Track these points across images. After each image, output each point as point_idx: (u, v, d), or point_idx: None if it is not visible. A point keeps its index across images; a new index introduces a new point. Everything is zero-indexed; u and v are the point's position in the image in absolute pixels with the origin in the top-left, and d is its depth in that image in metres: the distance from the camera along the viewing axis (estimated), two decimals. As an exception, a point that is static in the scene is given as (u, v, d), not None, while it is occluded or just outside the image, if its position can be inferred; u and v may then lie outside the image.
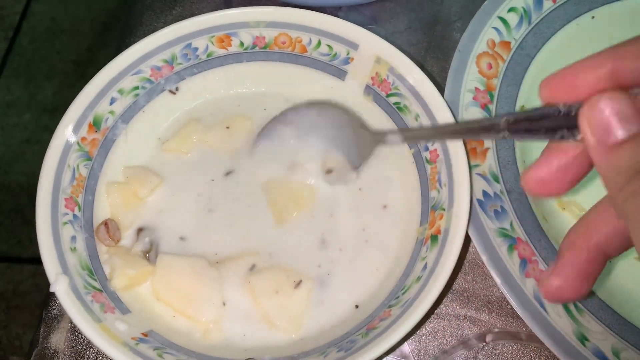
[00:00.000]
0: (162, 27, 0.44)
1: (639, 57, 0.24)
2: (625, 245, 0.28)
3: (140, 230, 0.42)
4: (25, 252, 1.31)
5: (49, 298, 0.43)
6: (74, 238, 0.39)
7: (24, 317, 1.26)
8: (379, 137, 0.39)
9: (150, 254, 0.41)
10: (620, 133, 0.23)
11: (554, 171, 0.28)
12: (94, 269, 0.39)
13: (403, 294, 0.37)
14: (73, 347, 0.41)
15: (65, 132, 0.40)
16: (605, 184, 0.24)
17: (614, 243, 0.27)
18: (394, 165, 0.44)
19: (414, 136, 0.40)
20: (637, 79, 0.24)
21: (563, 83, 0.26)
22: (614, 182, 0.23)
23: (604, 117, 0.23)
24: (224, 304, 0.39)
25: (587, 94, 0.25)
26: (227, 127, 0.46)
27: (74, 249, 0.38)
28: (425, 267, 0.37)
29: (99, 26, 1.64)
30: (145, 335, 0.37)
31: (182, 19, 0.45)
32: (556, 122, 0.26)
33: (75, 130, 0.41)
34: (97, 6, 1.67)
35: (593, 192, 0.44)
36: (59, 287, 0.35)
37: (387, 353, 0.34)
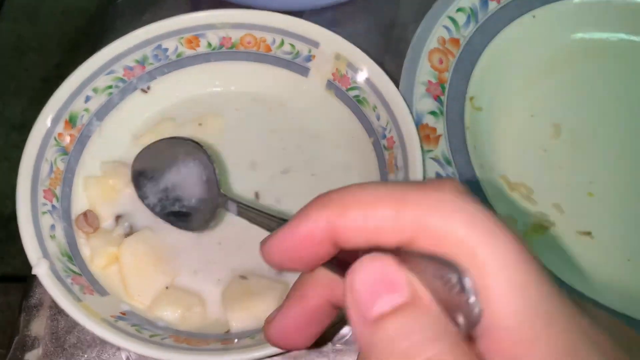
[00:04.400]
0: (133, 32, 0.47)
1: (360, 211, 0.20)
2: None
3: (118, 217, 0.44)
4: (-4, 267, 1.30)
5: (28, 288, 0.44)
6: (53, 226, 0.41)
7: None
8: (222, 200, 0.40)
9: (125, 229, 0.43)
10: (382, 304, 0.18)
11: (297, 321, 0.25)
12: (73, 255, 0.41)
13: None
14: (53, 333, 0.43)
15: (43, 128, 0.43)
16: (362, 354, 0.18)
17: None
18: (352, 153, 0.47)
19: (247, 216, 0.38)
20: (357, 238, 0.20)
21: (281, 249, 0.22)
22: None
23: (366, 286, 0.18)
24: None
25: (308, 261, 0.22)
26: (200, 124, 0.49)
27: (53, 237, 0.40)
28: (384, 242, 0.40)
29: (67, 43, 1.65)
30: (124, 314, 0.39)
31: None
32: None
33: (52, 126, 0.43)
34: (64, 24, 1.67)
35: (541, 174, 0.49)
36: (40, 269, 0.37)
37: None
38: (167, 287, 0.42)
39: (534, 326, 0.17)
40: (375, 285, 0.18)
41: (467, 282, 0.18)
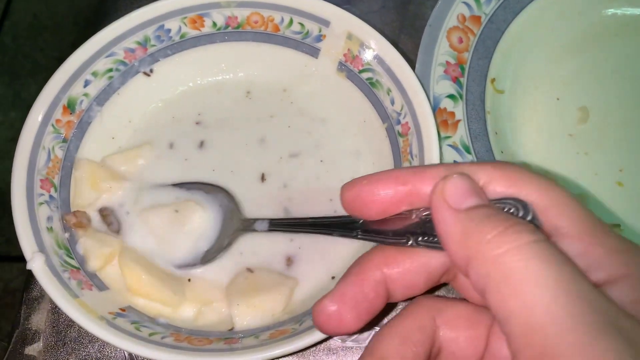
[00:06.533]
0: (137, 11, 0.45)
1: (434, 180, 0.25)
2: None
3: (103, 210, 0.42)
4: (14, 250, 1.30)
5: (30, 280, 0.43)
6: (50, 218, 0.39)
7: (16, 315, 1.26)
8: (247, 224, 0.40)
9: (112, 225, 0.42)
10: (470, 202, 0.24)
11: (348, 303, 0.26)
12: (72, 247, 0.39)
13: (376, 262, 0.37)
14: (54, 327, 0.41)
15: (39, 114, 0.41)
16: (459, 244, 0.23)
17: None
18: (364, 140, 0.45)
19: (280, 224, 0.39)
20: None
21: (362, 193, 0.27)
22: (477, 236, 0.23)
23: (456, 189, 0.24)
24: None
25: (382, 208, 0.26)
26: (205, 108, 0.47)
27: (50, 229, 0.38)
28: (397, 235, 0.38)
29: (82, 22, 1.63)
30: (123, 310, 0.37)
31: (156, 3, 0.45)
32: (408, 226, 0.26)
33: (49, 112, 0.41)
34: (79, 2, 1.66)
35: (567, 162, 0.46)
36: (35, 264, 0.35)
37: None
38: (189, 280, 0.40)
39: (594, 229, 0.24)
40: (462, 190, 0.24)
41: (529, 205, 0.24)
